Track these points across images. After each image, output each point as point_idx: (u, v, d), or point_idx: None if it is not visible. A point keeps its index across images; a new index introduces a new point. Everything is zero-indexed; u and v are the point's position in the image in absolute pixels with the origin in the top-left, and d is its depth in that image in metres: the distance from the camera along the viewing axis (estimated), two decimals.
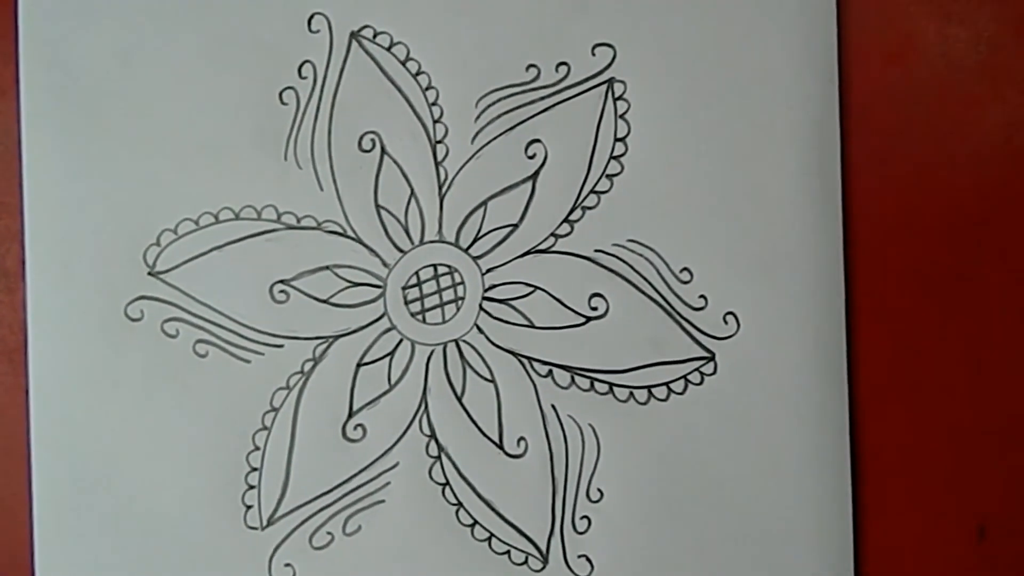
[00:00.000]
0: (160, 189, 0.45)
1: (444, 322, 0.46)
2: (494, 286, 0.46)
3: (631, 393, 0.46)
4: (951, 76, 0.47)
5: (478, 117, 0.46)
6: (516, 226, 0.46)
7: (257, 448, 0.45)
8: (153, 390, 0.45)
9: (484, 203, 0.46)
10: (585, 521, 0.45)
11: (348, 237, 0.45)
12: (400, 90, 0.46)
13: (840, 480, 0.45)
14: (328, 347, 0.45)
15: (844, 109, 0.46)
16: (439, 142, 0.46)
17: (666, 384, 0.46)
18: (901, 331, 0.47)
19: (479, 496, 0.45)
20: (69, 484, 0.45)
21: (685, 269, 0.46)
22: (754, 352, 0.45)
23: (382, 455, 0.45)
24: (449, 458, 0.45)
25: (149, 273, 0.45)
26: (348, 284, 0.45)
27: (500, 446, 0.45)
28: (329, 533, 0.45)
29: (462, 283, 0.46)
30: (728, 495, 0.45)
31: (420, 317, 0.46)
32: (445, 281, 0.46)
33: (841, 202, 0.46)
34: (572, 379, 0.45)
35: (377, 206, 0.46)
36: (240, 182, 0.45)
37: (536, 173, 0.46)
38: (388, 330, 0.46)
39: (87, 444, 0.45)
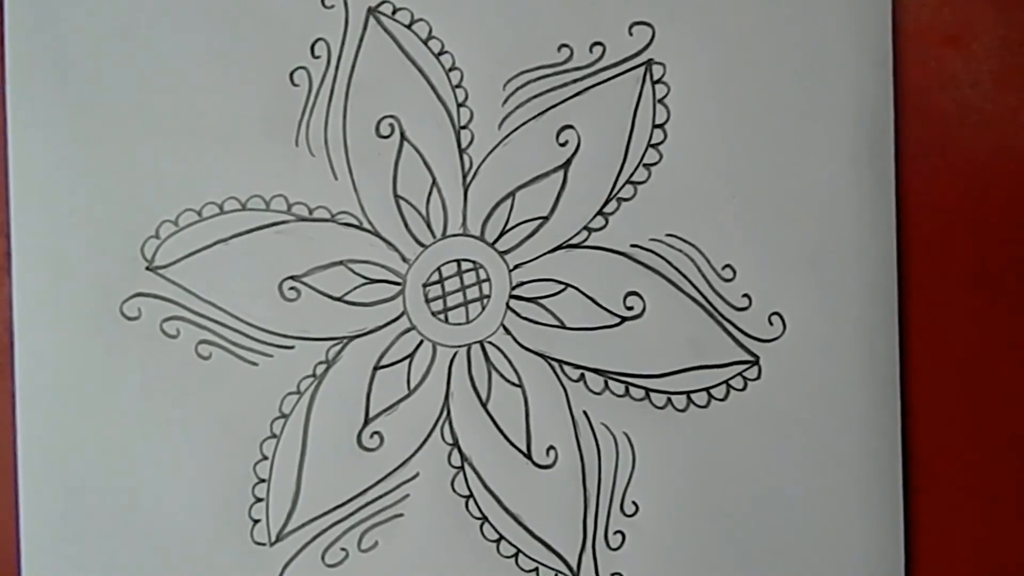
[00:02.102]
0: (160, 177, 0.44)
1: (468, 322, 0.45)
2: (522, 283, 0.45)
3: (669, 399, 0.45)
4: (1011, 60, 0.46)
5: (506, 101, 0.45)
6: (546, 219, 0.45)
7: (265, 458, 0.44)
8: (151, 395, 0.44)
9: (512, 194, 0.45)
10: (619, 536, 0.45)
11: (364, 230, 0.45)
12: (421, 71, 0.45)
13: (892, 492, 0.45)
14: (342, 349, 0.44)
15: (898, 94, 0.45)
16: (463, 128, 0.45)
17: (707, 390, 0.45)
18: (958, 333, 0.46)
19: (505, 509, 0.44)
20: (59, 497, 0.44)
21: (728, 266, 0.45)
22: (801, 356, 0.45)
23: (401, 465, 0.44)
24: (473, 468, 0.45)
25: (147, 268, 0.44)
26: (364, 281, 0.45)
27: (528, 456, 0.45)
28: (343, 549, 0.44)
29: (487, 280, 0.45)
30: (772, 509, 0.45)
31: (442, 316, 0.45)
32: (469, 278, 0.45)
33: (895, 194, 0.45)
34: (606, 384, 0.45)
35: (396, 196, 0.45)
36: (247, 170, 0.44)
37: (568, 162, 0.45)
38: (407, 330, 0.45)
39: (79, 454, 0.44)
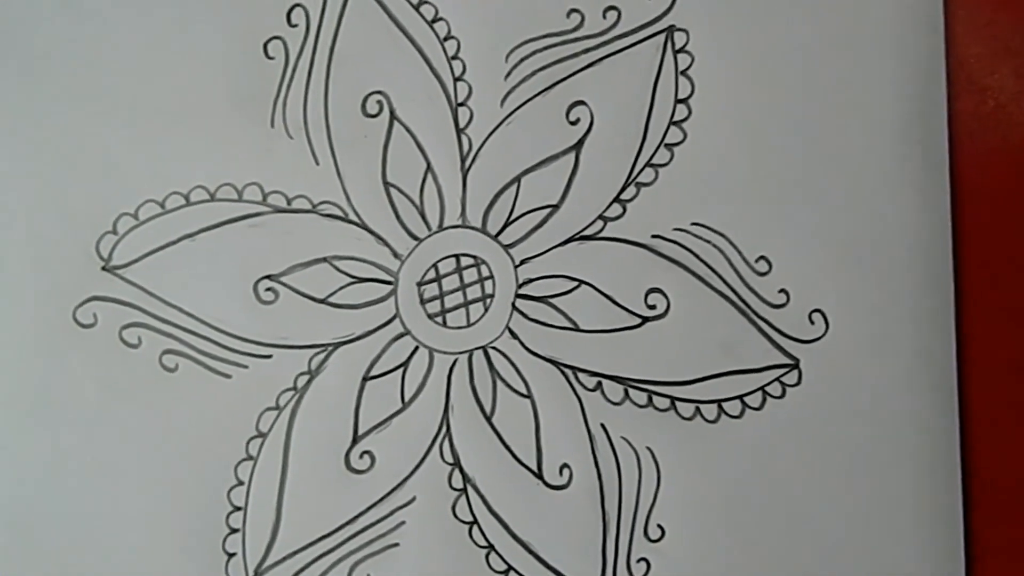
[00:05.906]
0: (116, 164, 0.43)
1: (469, 325, 0.44)
2: (530, 281, 0.44)
3: (697, 409, 0.43)
4: None
5: (509, 74, 0.44)
6: (556, 207, 0.44)
7: (241, 483, 0.43)
8: (109, 412, 0.43)
9: (517, 179, 0.44)
10: (643, 565, 0.43)
11: (350, 222, 0.44)
12: (413, 41, 0.44)
13: (949, 511, 0.43)
14: (327, 357, 0.43)
15: (951, 67, 0.44)
16: (461, 105, 0.44)
17: (740, 398, 0.44)
18: (1021, 333, 0.44)
19: (514, 536, 0.43)
20: (1, 529, 0.42)
21: (762, 258, 0.44)
22: (846, 358, 0.44)
23: (395, 489, 0.43)
24: (477, 491, 0.43)
25: (103, 268, 0.43)
26: (351, 280, 0.44)
27: (539, 475, 0.43)
28: None
29: (490, 277, 0.44)
30: (814, 531, 0.43)
31: (440, 319, 0.44)
32: (470, 275, 0.44)
33: (948, 178, 0.44)
34: (626, 393, 0.44)
35: (385, 184, 0.44)
36: (216, 155, 0.44)
37: (580, 142, 0.44)
38: (401, 336, 0.44)
39: (24, 481, 0.42)
